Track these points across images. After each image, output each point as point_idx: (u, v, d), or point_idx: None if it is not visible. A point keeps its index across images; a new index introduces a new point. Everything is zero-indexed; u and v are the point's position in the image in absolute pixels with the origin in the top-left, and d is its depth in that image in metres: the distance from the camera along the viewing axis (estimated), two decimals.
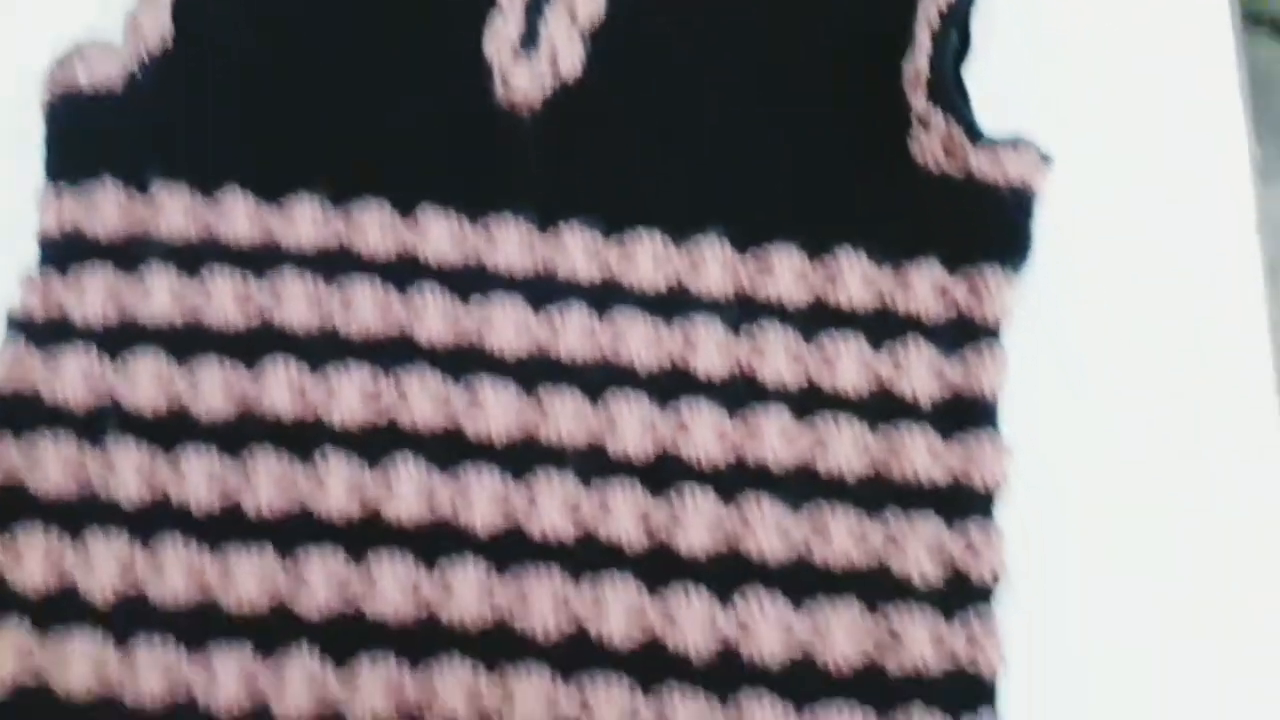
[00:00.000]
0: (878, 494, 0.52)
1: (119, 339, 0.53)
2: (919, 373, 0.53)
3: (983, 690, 0.49)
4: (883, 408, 0.53)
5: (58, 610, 0.50)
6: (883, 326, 0.54)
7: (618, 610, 0.50)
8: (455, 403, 0.52)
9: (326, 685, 0.49)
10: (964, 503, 0.52)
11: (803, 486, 0.52)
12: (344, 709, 0.49)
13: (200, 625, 0.50)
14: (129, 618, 0.50)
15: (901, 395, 0.53)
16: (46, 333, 0.53)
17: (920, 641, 0.49)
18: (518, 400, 0.52)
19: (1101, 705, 0.52)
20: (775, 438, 0.52)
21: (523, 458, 0.52)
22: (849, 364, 0.53)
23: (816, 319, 0.53)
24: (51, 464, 0.51)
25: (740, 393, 0.53)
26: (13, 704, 0.49)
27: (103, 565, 0.50)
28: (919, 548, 0.51)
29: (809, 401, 0.53)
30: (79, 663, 0.49)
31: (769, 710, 0.49)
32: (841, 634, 0.50)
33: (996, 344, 0.53)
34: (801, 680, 0.49)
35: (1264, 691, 0.52)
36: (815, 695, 0.49)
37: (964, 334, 0.54)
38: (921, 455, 0.52)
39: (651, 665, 0.49)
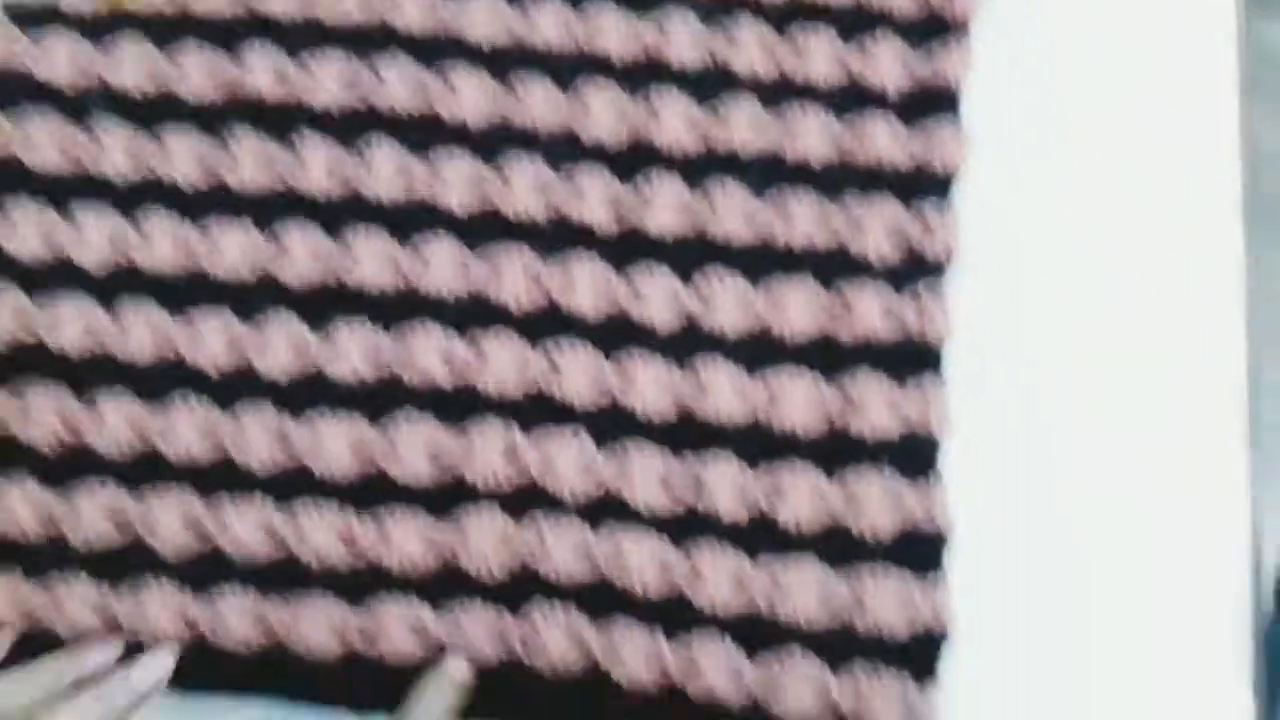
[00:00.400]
0: (841, 179, 0.53)
1: (107, 26, 0.54)
2: (887, 64, 0.54)
3: (929, 357, 0.51)
4: (850, 97, 0.54)
5: (50, 277, 0.52)
6: (854, 20, 0.54)
7: (586, 285, 0.52)
8: (431, 87, 0.54)
9: (307, 346, 0.51)
10: (923, 186, 0.53)
11: (769, 171, 0.53)
12: (324, 368, 0.51)
13: (187, 292, 0.52)
14: (119, 283, 0.52)
15: (869, 85, 0.54)
16: (37, 16, 0.54)
17: (872, 313, 0.51)
18: (491, 85, 0.54)
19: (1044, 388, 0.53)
20: (745, 127, 0.54)
21: (496, 141, 0.53)
22: (819, 55, 0.54)
23: (790, 11, 0.54)
24: (42, 140, 0.53)
25: (712, 82, 0.54)
26: (10, 359, 0.51)
27: (93, 236, 0.52)
28: (877, 228, 0.52)
29: (779, 92, 0.54)
30: (71, 323, 0.51)
31: (725, 373, 0.51)
32: (797, 307, 0.51)
33: (964, 38, 0.54)
34: (757, 349, 0.51)
35: None
36: (770, 362, 0.51)
37: (933, 28, 0.54)
38: (885, 140, 0.53)
39: (617, 334, 0.51)
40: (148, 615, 0.48)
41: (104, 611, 0.48)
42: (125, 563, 0.49)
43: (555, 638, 0.47)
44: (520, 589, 0.48)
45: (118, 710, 0.44)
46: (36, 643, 0.48)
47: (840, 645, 0.47)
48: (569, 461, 0.49)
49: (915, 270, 0.52)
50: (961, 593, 0.48)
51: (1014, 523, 0.51)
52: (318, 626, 0.48)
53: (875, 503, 0.49)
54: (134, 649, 0.47)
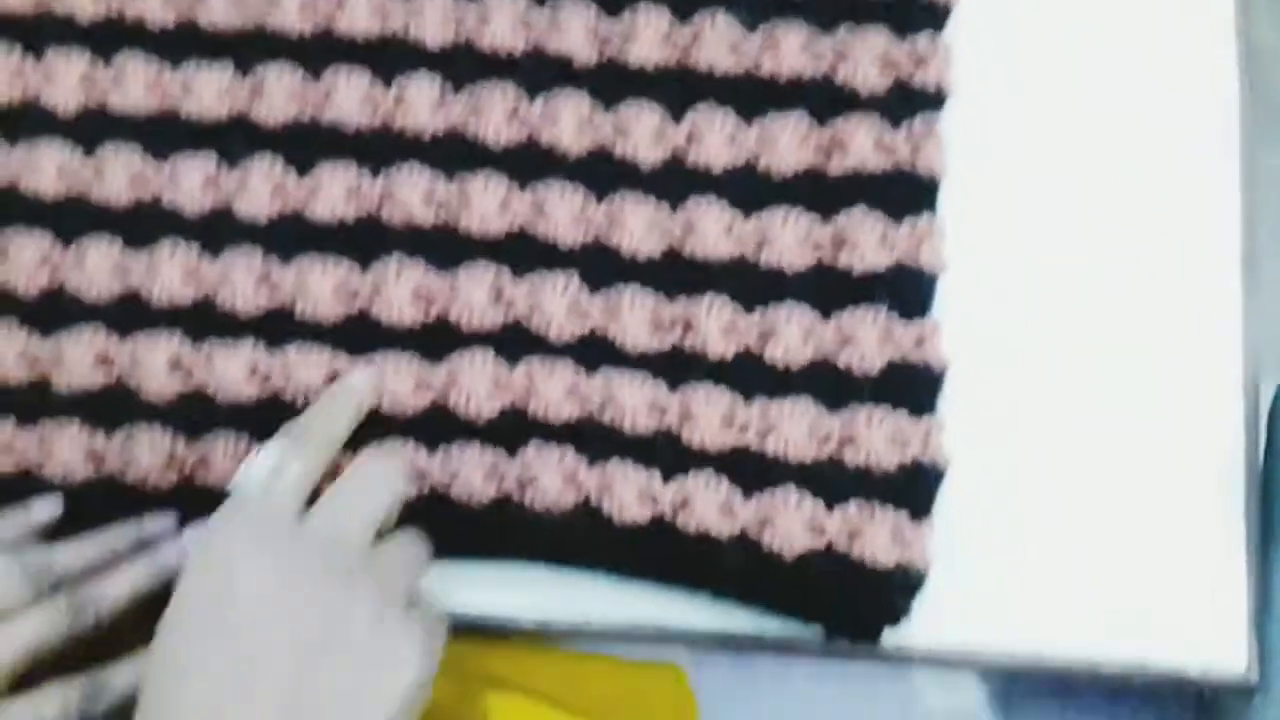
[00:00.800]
0: (831, 8, 0.52)
1: None
2: None
3: (923, 191, 0.50)
4: None
5: (24, 121, 0.51)
6: None
7: (570, 121, 0.51)
8: None
9: (286, 188, 0.50)
10: (915, 16, 0.52)
11: (756, 2, 0.52)
12: (306, 210, 0.50)
13: (163, 134, 0.51)
14: (93, 127, 0.51)
15: None
16: None
17: (864, 146, 0.50)
18: None
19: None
20: None
21: None
22: None
23: None
24: None
25: None
26: None
27: (65, 79, 0.51)
28: (867, 59, 0.51)
29: None
30: (48, 169, 0.51)
31: (715, 213, 0.50)
32: (787, 141, 0.51)
33: None
34: (746, 185, 0.51)
35: None
36: (759, 200, 0.51)
37: None
38: None
39: (603, 173, 0.51)
40: (136, 458, 0.48)
41: (93, 455, 0.48)
42: (112, 406, 0.48)
43: (548, 475, 0.47)
44: (512, 429, 0.48)
45: (169, 570, 0.44)
46: (26, 486, 0.47)
47: (832, 481, 0.47)
48: (556, 302, 0.49)
49: (908, 103, 0.51)
50: (956, 431, 0.48)
51: (1009, 359, 0.51)
52: None
53: (868, 339, 0.48)
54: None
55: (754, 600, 0.47)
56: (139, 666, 0.41)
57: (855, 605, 0.46)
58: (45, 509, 0.46)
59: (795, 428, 0.47)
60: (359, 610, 0.38)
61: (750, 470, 0.47)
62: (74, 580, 0.43)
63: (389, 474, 0.43)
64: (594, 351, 0.49)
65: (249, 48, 0.52)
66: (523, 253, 0.50)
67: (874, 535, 0.46)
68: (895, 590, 0.46)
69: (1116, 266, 0.52)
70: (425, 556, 0.43)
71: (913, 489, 0.47)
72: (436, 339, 0.49)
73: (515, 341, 0.49)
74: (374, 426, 0.48)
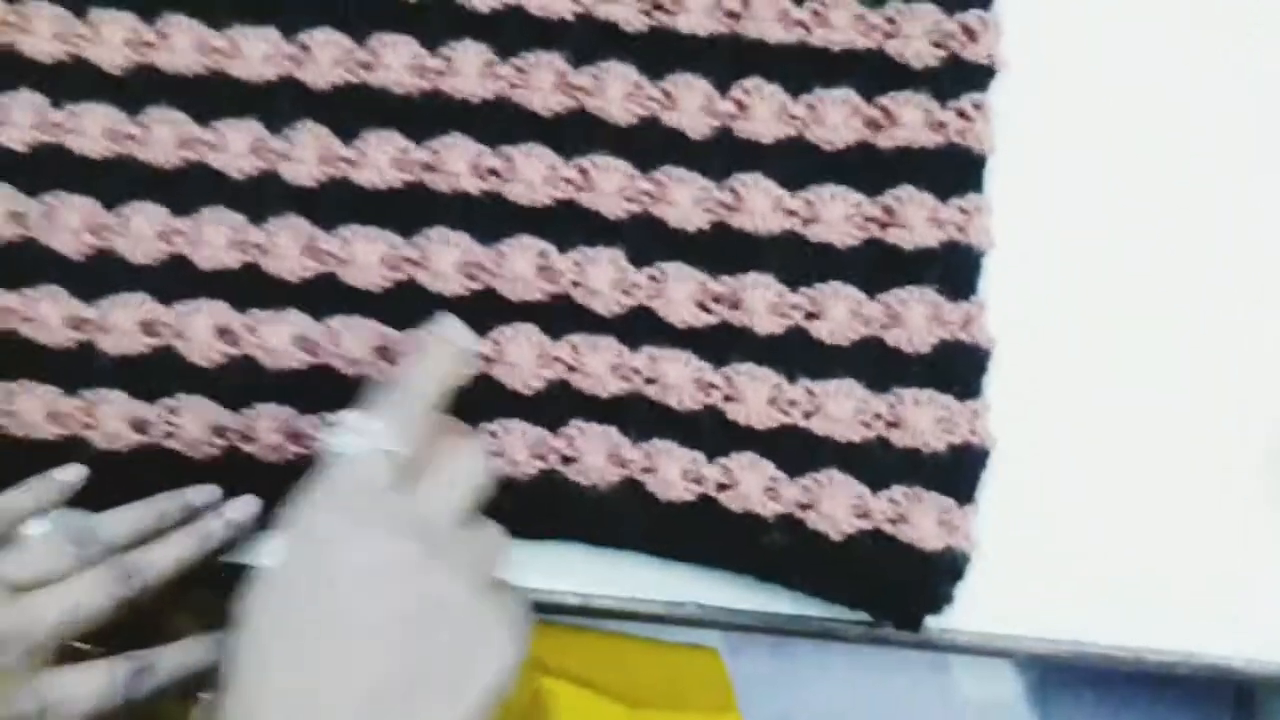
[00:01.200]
0: None
1: None
2: None
3: (972, 168, 0.50)
4: None
5: (71, 82, 0.51)
6: None
7: (617, 91, 0.50)
8: None
9: (333, 154, 0.50)
10: None
11: None
12: (352, 176, 0.50)
13: (209, 97, 0.51)
14: (140, 88, 0.51)
15: None
16: None
17: (914, 122, 0.50)
18: None
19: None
20: None
21: None
22: None
23: None
24: None
25: None
26: (33, 163, 0.50)
27: (111, 39, 0.51)
28: (918, 33, 0.50)
29: None
30: (94, 130, 0.50)
31: (764, 187, 0.50)
32: (836, 117, 0.50)
33: None
34: (795, 160, 0.50)
35: None
36: (809, 176, 0.50)
37: None
38: None
39: (650, 143, 0.50)
40: (181, 425, 0.48)
41: (138, 422, 0.48)
42: (158, 373, 0.48)
43: (592, 452, 0.47)
44: (557, 404, 0.48)
45: (214, 541, 0.45)
46: (73, 453, 0.47)
47: (879, 463, 0.47)
48: (602, 276, 0.49)
49: (959, 78, 0.50)
50: (998, 413, 0.48)
51: (1053, 340, 0.50)
52: None
53: (915, 318, 0.48)
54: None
55: (797, 583, 0.47)
56: (190, 649, 0.42)
57: (899, 590, 0.46)
58: (70, 473, 0.46)
59: (841, 408, 0.47)
60: (457, 592, 0.37)
61: (796, 450, 0.47)
62: (120, 549, 0.43)
63: (481, 455, 0.42)
64: (640, 327, 0.49)
65: (297, 9, 0.51)
66: (569, 225, 0.49)
67: (920, 519, 0.46)
68: (940, 575, 0.46)
69: (1164, 246, 0.51)
70: (508, 541, 0.42)
71: (959, 472, 0.47)
72: (482, 311, 0.49)
73: (561, 315, 0.49)
74: None
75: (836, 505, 0.46)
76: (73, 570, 0.42)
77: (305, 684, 0.35)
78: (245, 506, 0.46)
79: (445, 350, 0.42)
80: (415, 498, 0.38)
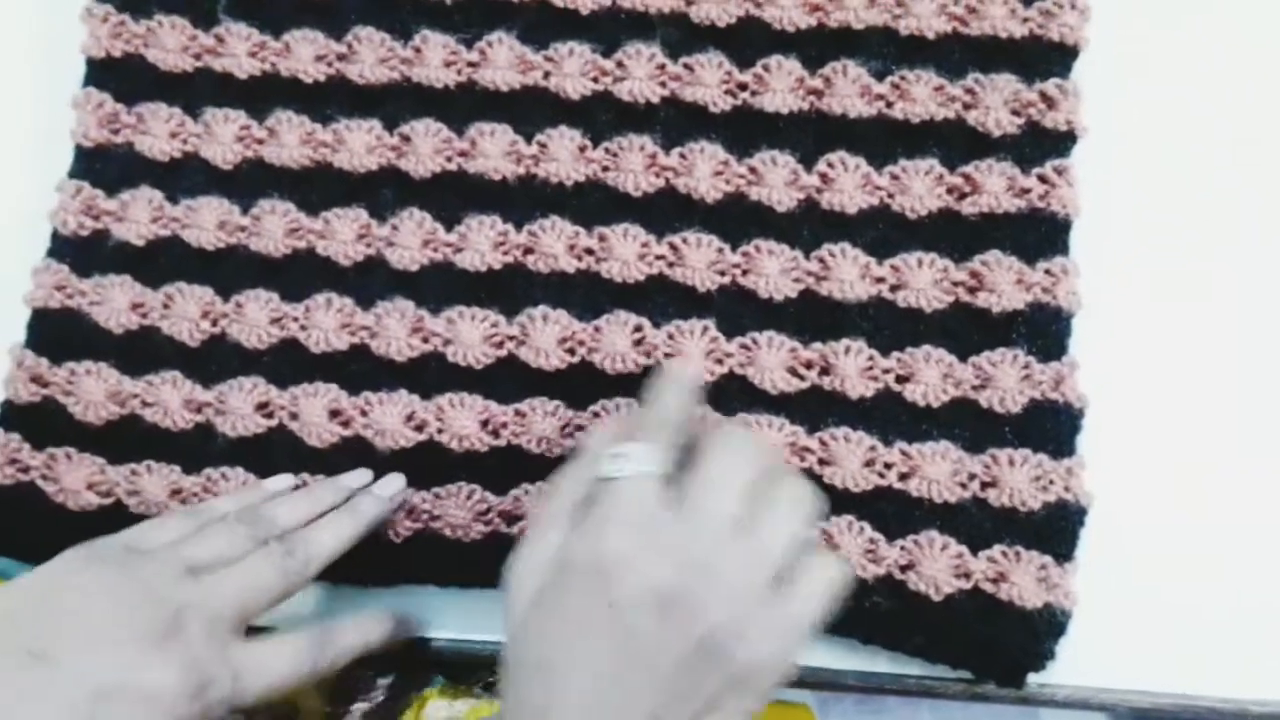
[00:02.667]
0: (960, 54, 0.53)
1: None
2: None
3: (1057, 231, 0.51)
4: None
5: (185, 177, 0.54)
6: None
7: (705, 169, 0.52)
8: None
9: (437, 238, 0.52)
10: (1043, 60, 0.52)
11: (886, 47, 0.53)
12: (455, 260, 0.52)
13: (317, 188, 0.53)
14: (251, 181, 0.53)
15: None
16: None
17: (997, 188, 0.51)
18: None
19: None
20: (860, 6, 0.53)
21: (612, 29, 0.54)
22: None
23: None
24: (169, 41, 0.54)
25: None
26: (152, 253, 0.53)
27: (223, 136, 0.54)
28: (997, 102, 0.52)
29: None
30: (207, 223, 0.53)
31: (851, 258, 0.51)
32: (920, 185, 0.52)
33: None
34: (881, 228, 0.52)
35: None
36: (895, 244, 0.52)
37: None
38: (1000, 13, 0.53)
39: (739, 218, 0.52)
40: None
41: None
42: (274, 452, 0.50)
43: None
44: None
45: (369, 519, 0.47)
46: None
47: (977, 523, 0.48)
48: (695, 347, 0.50)
49: (1040, 144, 0.52)
50: (1094, 470, 0.49)
51: (1147, 397, 0.51)
52: (462, 510, 0.49)
53: (1007, 379, 0.49)
54: None
55: (902, 644, 0.48)
56: (367, 627, 0.46)
57: (1001, 648, 0.47)
58: (280, 482, 0.50)
59: (937, 469, 0.48)
60: (734, 621, 0.37)
61: (893, 512, 0.48)
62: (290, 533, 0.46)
63: (739, 444, 0.41)
64: (733, 394, 0.50)
65: (397, 102, 0.53)
66: (662, 299, 0.51)
67: (1019, 577, 0.47)
68: (1042, 632, 0.47)
69: (1252, 301, 0.52)
70: (801, 515, 0.41)
71: (1056, 530, 0.48)
72: (580, 385, 0.50)
73: None
74: (526, 467, 0.50)
75: (936, 566, 0.47)
76: (248, 552, 0.44)
77: (593, 701, 0.36)
78: (393, 483, 0.49)
79: (679, 382, 0.44)
80: (685, 510, 0.39)
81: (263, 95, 0.54)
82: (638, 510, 0.38)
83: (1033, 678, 0.48)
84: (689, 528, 0.38)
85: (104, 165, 0.54)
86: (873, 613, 0.48)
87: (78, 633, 0.39)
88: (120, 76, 0.54)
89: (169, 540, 0.44)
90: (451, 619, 0.51)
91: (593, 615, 0.37)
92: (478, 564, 0.49)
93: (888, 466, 0.49)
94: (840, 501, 0.49)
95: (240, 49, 0.54)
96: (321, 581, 0.48)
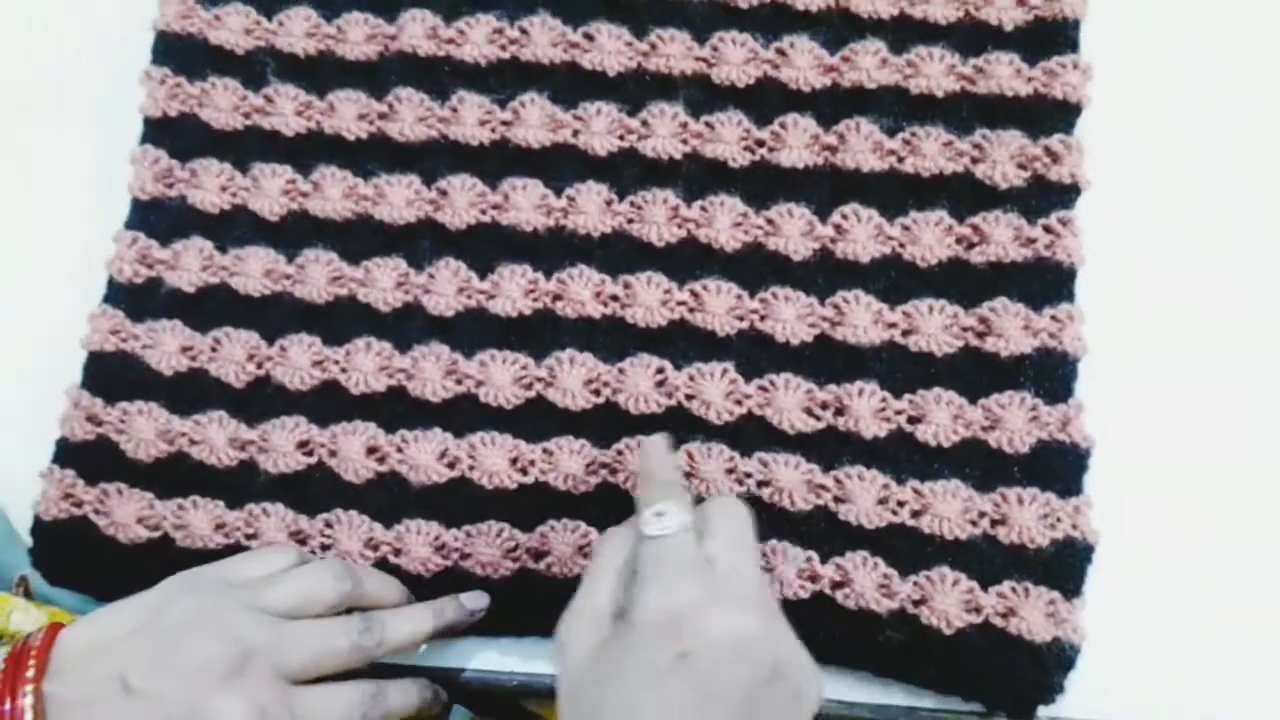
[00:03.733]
0: (967, 111, 0.55)
1: None
2: (1004, 1, 0.56)
3: (1063, 280, 0.53)
4: (971, 36, 0.56)
5: (232, 227, 0.57)
6: None
7: (725, 220, 0.55)
8: (573, 40, 0.58)
9: (471, 286, 0.55)
10: (1047, 118, 0.55)
11: (897, 105, 0.56)
12: (488, 306, 0.55)
13: (358, 239, 0.56)
14: (296, 231, 0.57)
15: (986, 20, 0.56)
16: None
17: (1004, 239, 0.54)
18: (632, 40, 0.58)
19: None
20: (872, 67, 0.56)
21: (638, 90, 0.57)
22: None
23: None
24: (221, 101, 0.57)
25: (839, 26, 0.57)
26: (201, 299, 0.56)
27: (270, 189, 0.57)
28: (1004, 157, 0.55)
29: (904, 33, 0.57)
30: (254, 271, 0.56)
31: (864, 305, 0.54)
32: (930, 236, 0.54)
33: None
34: (892, 277, 0.54)
35: None
36: (907, 291, 0.54)
37: None
38: (1006, 72, 0.55)
39: (757, 266, 0.55)
40: (337, 538, 0.52)
41: (296, 534, 0.52)
42: (314, 488, 0.53)
43: None
44: None
45: (447, 621, 0.49)
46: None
47: (987, 559, 0.50)
48: (714, 388, 0.53)
49: (1045, 197, 0.54)
50: (1102, 508, 0.51)
51: (1156, 437, 0.53)
52: (491, 547, 0.52)
53: (1015, 421, 0.51)
54: None
55: (914, 676, 0.50)
56: (412, 690, 0.48)
57: (1012, 681, 0.49)
58: (476, 600, 0.51)
59: (948, 507, 0.50)
60: (790, 648, 0.40)
61: (906, 548, 0.50)
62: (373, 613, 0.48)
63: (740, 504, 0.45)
64: (751, 433, 0.52)
65: (434, 158, 0.57)
66: (684, 343, 0.54)
67: (1029, 612, 0.49)
68: (1051, 666, 0.48)
69: (1248, 346, 0.54)
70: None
71: (1064, 566, 0.50)
72: (605, 423, 0.53)
73: (677, 425, 0.52)
74: (553, 504, 0.52)
75: (948, 601, 0.49)
76: (326, 615, 0.47)
77: None
78: (478, 599, 0.51)
79: (661, 448, 0.48)
80: (723, 564, 0.42)
81: (308, 151, 0.57)
82: (690, 563, 0.41)
83: (1043, 711, 0.49)
84: (738, 576, 0.41)
85: (158, 217, 0.57)
86: (886, 646, 0.49)
87: (161, 663, 0.42)
88: (175, 134, 0.58)
89: (263, 574, 0.47)
90: (471, 648, 0.53)
91: (665, 663, 0.38)
92: (505, 606, 0.52)
93: (900, 504, 0.51)
94: (855, 538, 0.51)
95: (288, 108, 0.57)
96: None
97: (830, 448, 0.52)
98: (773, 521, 0.51)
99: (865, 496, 0.51)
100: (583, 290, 0.54)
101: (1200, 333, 0.54)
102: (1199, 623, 0.51)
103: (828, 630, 0.50)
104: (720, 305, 0.54)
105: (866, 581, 0.50)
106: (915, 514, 0.51)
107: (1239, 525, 0.52)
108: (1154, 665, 0.50)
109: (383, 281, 0.55)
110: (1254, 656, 0.50)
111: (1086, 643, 0.49)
